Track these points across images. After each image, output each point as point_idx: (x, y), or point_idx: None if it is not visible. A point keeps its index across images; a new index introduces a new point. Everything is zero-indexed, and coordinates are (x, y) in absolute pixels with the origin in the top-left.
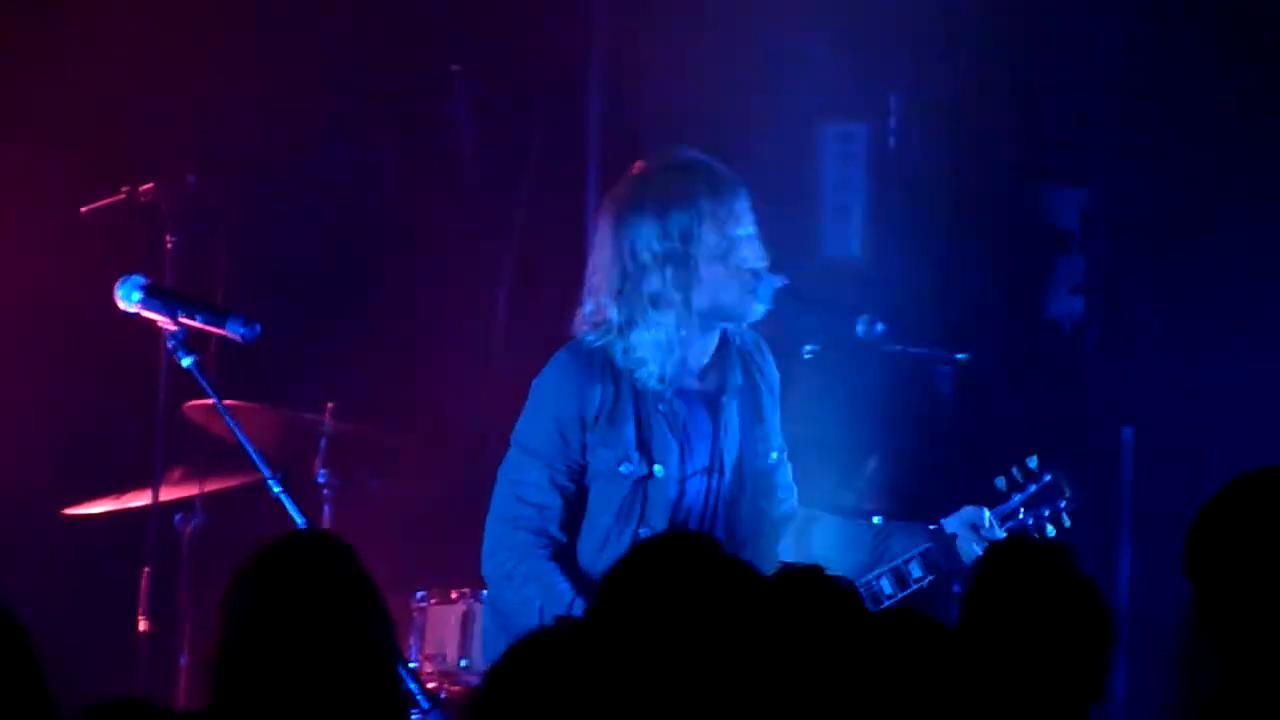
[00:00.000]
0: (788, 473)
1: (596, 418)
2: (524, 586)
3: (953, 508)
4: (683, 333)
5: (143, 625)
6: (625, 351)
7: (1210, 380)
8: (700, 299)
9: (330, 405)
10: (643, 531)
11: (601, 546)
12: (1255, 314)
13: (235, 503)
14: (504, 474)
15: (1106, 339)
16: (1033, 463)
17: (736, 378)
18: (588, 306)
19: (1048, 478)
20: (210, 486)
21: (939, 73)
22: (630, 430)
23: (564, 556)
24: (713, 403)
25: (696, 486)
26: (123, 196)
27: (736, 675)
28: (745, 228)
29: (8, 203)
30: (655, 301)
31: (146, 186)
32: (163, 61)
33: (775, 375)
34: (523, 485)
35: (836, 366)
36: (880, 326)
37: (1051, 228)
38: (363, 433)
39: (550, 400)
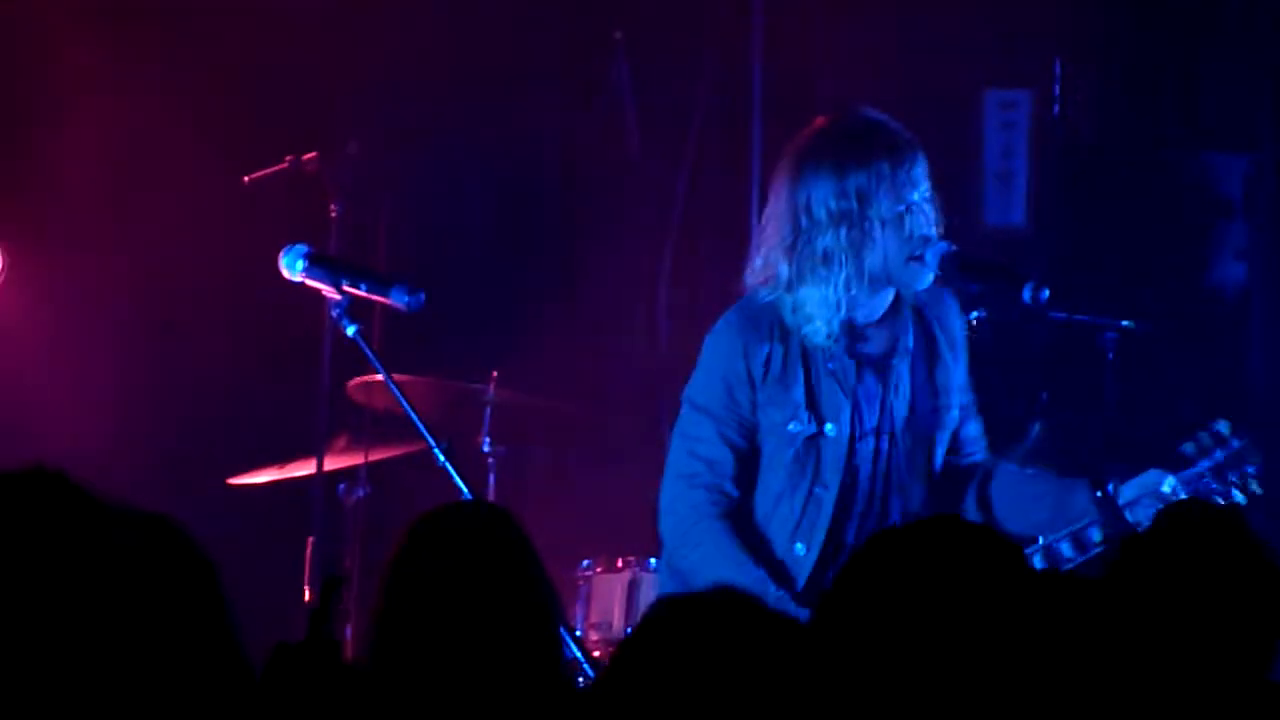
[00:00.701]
0: (975, 426)
1: (765, 376)
2: (700, 545)
3: (1119, 475)
4: (852, 292)
5: (308, 595)
6: (794, 309)
7: None
8: (871, 261)
9: (495, 374)
10: (817, 490)
11: (775, 504)
12: None
13: (399, 472)
14: (678, 431)
15: (1271, 306)
16: (1223, 427)
17: (908, 340)
18: (757, 260)
19: (1237, 443)
20: (374, 456)
21: (1102, 38)
22: (799, 389)
23: (738, 514)
24: (882, 364)
25: (869, 446)
26: (286, 166)
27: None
28: (920, 193)
29: (172, 173)
30: (827, 259)
31: (310, 156)
32: (325, 30)
33: (958, 327)
34: (696, 441)
35: (1002, 333)
36: (1046, 293)
37: (1215, 194)
38: (528, 402)
39: (720, 358)
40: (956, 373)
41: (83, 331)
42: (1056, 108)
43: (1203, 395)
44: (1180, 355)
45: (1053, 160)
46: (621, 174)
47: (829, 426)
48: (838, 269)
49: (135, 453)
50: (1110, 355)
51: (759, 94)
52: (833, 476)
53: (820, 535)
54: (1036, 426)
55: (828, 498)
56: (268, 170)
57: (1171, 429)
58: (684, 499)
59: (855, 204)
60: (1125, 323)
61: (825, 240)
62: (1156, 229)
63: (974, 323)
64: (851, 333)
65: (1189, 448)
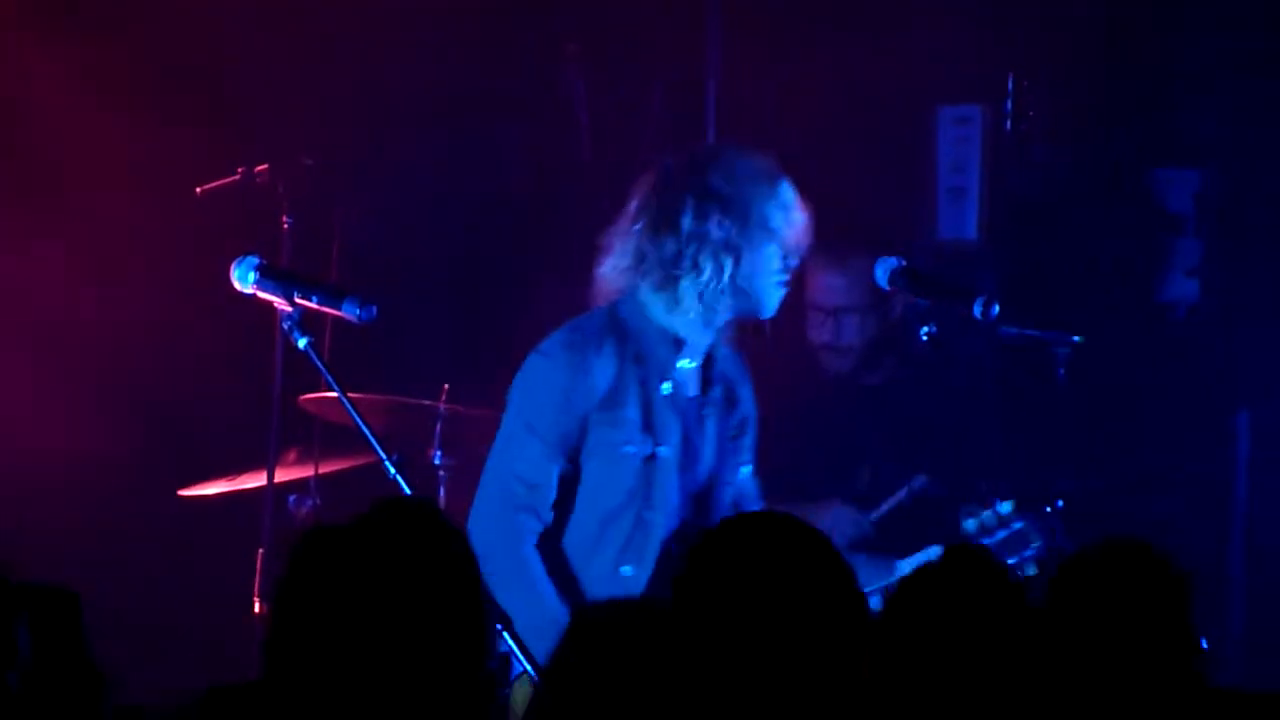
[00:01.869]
0: (756, 486)
1: (600, 396)
2: (503, 567)
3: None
4: (710, 309)
5: (258, 607)
6: (635, 316)
7: None
8: (740, 277)
9: (446, 387)
10: (645, 513)
11: (602, 526)
12: None
13: (350, 484)
14: (501, 442)
15: (1221, 322)
16: (1005, 508)
17: (716, 391)
18: (622, 262)
19: (1019, 525)
20: (325, 468)
21: (1056, 54)
22: (634, 409)
23: (547, 538)
24: (698, 401)
25: (687, 476)
26: (238, 178)
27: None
28: (792, 218)
29: (124, 183)
30: (695, 268)
31: (262, 168)
32: (280, 43)
33: (751, 403)
34: (517, 460)
35: (952, 348)
36: (996, 309)
37: (1165, 211)
38: (479, 414)
39: (555, 377)
40: (748, 437)
41: (33, 342)
42: (1009, 123)
43: (1154, 411)
44: (1131, 370)
45: (1005, 176)
46: (576, 185)
47: (662, 449)
48: (704, 279)
49: (86, 464)
50: (1061, 370)
51: (712, 106)
52: (664, 500)
53: (650, 557)
54: (921, 479)
55: (655, 520)
56: (220, 181)
57: (1120, 444)
58: (498, 521)
59: (741, 217)
60: (1076, 338)
61: (699, 258)
62: (1108, 245)
63: (925, 338)
64: (685, 359)
65: (971, 525)
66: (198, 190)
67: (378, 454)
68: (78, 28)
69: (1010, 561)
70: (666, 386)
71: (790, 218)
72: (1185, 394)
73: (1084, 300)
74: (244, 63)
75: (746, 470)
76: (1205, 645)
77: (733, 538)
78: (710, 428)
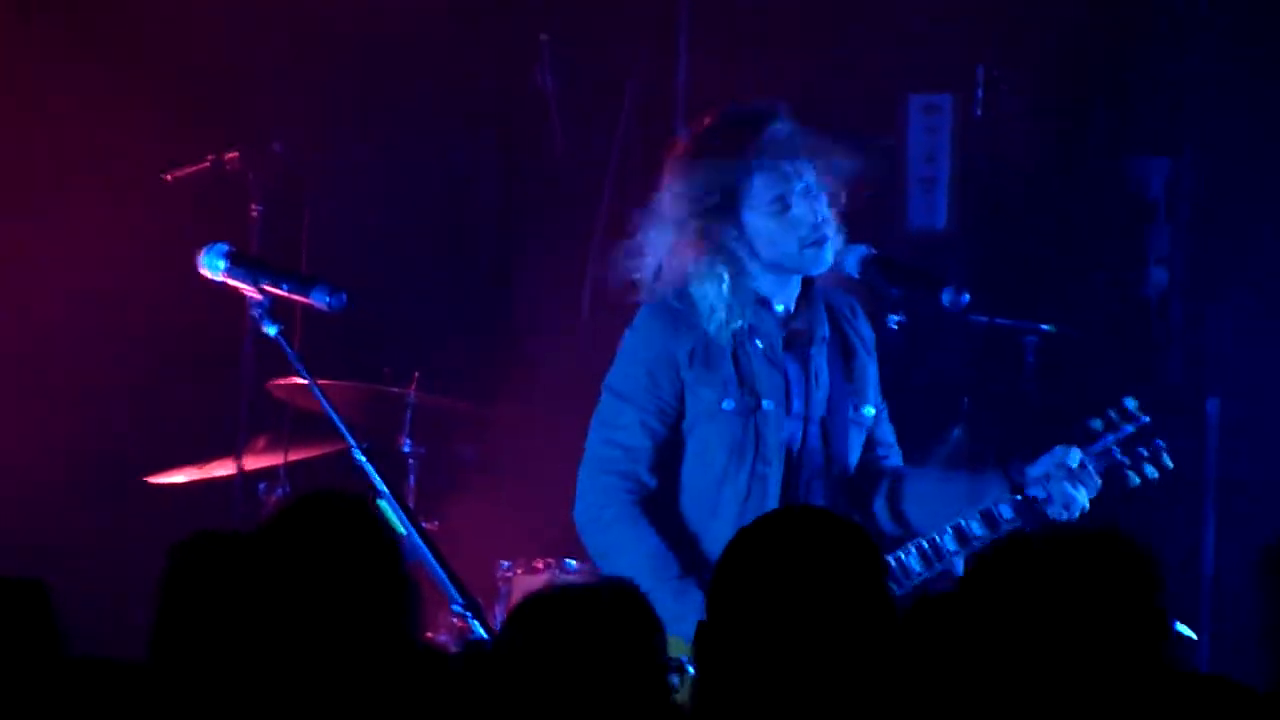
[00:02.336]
0: (889, 431)
1: (691, 359)
2: (611, 528)
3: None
4: (746, 281)
5: None
6: (695, 305)
7: None
8: (763, 251)
9: (416, 375)
10: (759, 467)
11: (719, 486)
12: None
13: (320, 472)
14: (596, 419)
15: (1191, 310)
16: (1131, 403)
17: (824, 329)
18: (649, 260)
19: (1146, 419)
20: (294, 456)
21: (1026, 42)
22: (729, 367)
23: (653, 501)
24: (801, 350)
25: (798, 429)
26: (208, 165)
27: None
28: (802, 182)
29: (93, 170)
30: (711, 254)
31: (232, 155)
32: (252, 29)
33: (870, 334)
34: (613, 429)
35: (923, 337)
36: (966, 297)
37: (1137, 198)
38: (449, 403)
39: (641, 344)
40: (872, 372)
41: (1, 331)
42: (979, 112)
43: (1124, 398)
44: (1101, 359)
45: (976, 164)
46: (547, 175)
47: (766, 402)
48: (722, 263)
49: (56, 452)
50: (1030, 358)
51: (683, 98)
52: (774, 454)
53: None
54: (957, 431)
55: (772, 474)
56: (189, 168)
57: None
58: (596, 484)
59: (727, 197)
60: (1045, 326)
61: (706, 235)
62: (1078, 233)
63: (894, 326)
64: (772, 315)
65: (1096, 423)
66: (167, 177)
67: (347, 441)
68: (46, 15)
69: (1143, 453)
70: (760, 341)
71: (781, 187)
72: (1156, 382)
73: (1055, 289)
74: (215, 49)
75: (870, 411)
76: (1182, 631)
77: (765, 536)
78: (822, 373)
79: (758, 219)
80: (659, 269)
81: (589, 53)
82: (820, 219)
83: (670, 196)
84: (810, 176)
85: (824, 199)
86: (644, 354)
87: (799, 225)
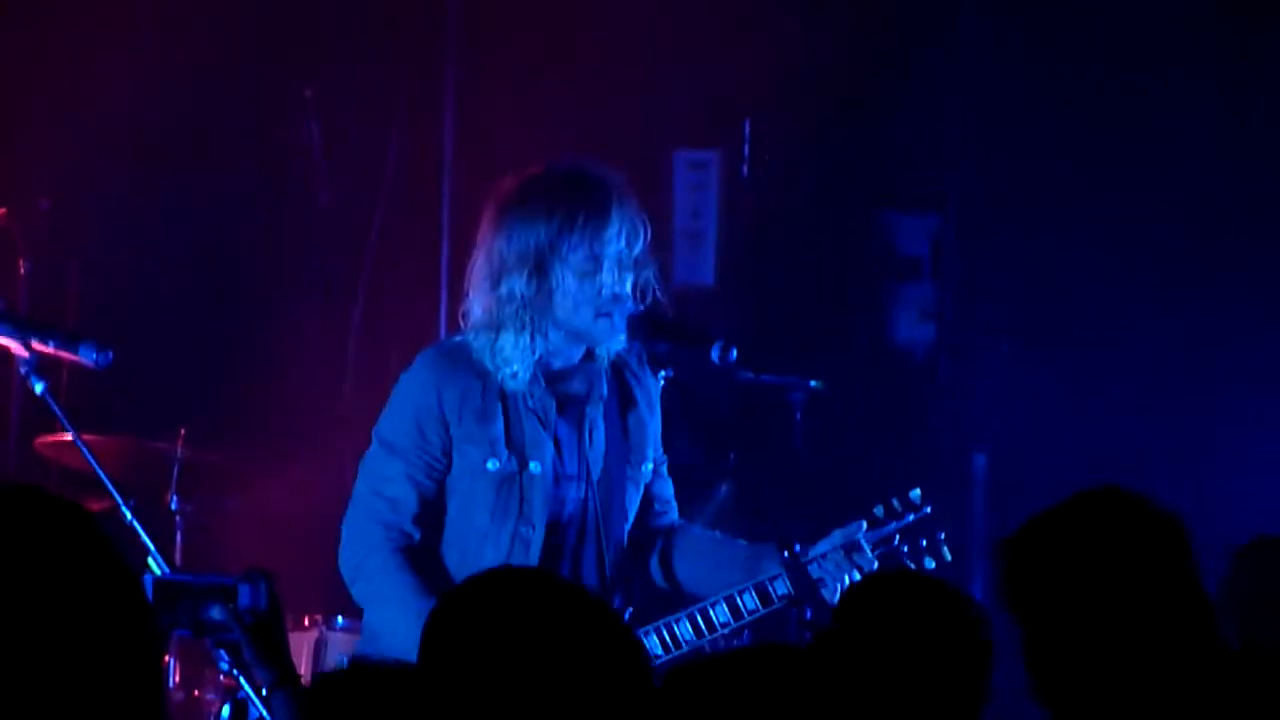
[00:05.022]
0: (666, 487)
1: (461, 414)
2: (375, 577)
3: (807, 535)
4: (548, 339)
5: None
6: (491, 351)
7: (1062, 405)
8: (561, 312)
9: (182, 431)
10: (522, 529)
11: (480, 543)
12: (1107, 337)
13: None
14: (363, 468)
15: (957, 365)
16: (915, 494)
17: (602, 387)
18: (466, 302)
19: (928, 509)
20: None
21: (792, 100)
22: (498, 427)
23: (419, 551)
24: (578, 409)
25: (569, 492)
26: None
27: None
28: (616, 249)
29: None
30: (521, 306)
31: (0, 211)
32: (15, 86)
33: (654, 385)
34: (380, 480)
35: (690, 393)
36: (734, 353)
37: (903, 254)
38: (216, 458)
39: (412, 395)
40: (652, 427)
41: None
42: (745, 168)
43: (892, 453)
44: (868, 414)
45: (742, 220)
46: (312, 229)
47: (533, 464)
48: (530, 316)
49: None
50: (798, 415)
51: (450, 152)
52: (538, 515)
53: None
54: (724, 487)
55: (535, 537)
56: None
57: (858, 489)
58: (361, 532)
59: (545, 253)
60: (813, 383)
61: (518, 287)
62: (846, 289)
63: (662, 382)
64: (550, 376)
65: (879, 509)
66: None
67: (115, 499)
68: None
69: (923, 544)
70: (533, 401)
71: (595, 250)
72: (923, 436)
73: (821, 344)
74: None
75: (648, 468)
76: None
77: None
78: (598, 432)
79: (567, 277)
80: (469, 309)
81: (354, 106)
82: (621, 293)
83: (492, 241)
84: (623, 246)
85: (629, 276)
86: (414, 405)
87: (600, 295)
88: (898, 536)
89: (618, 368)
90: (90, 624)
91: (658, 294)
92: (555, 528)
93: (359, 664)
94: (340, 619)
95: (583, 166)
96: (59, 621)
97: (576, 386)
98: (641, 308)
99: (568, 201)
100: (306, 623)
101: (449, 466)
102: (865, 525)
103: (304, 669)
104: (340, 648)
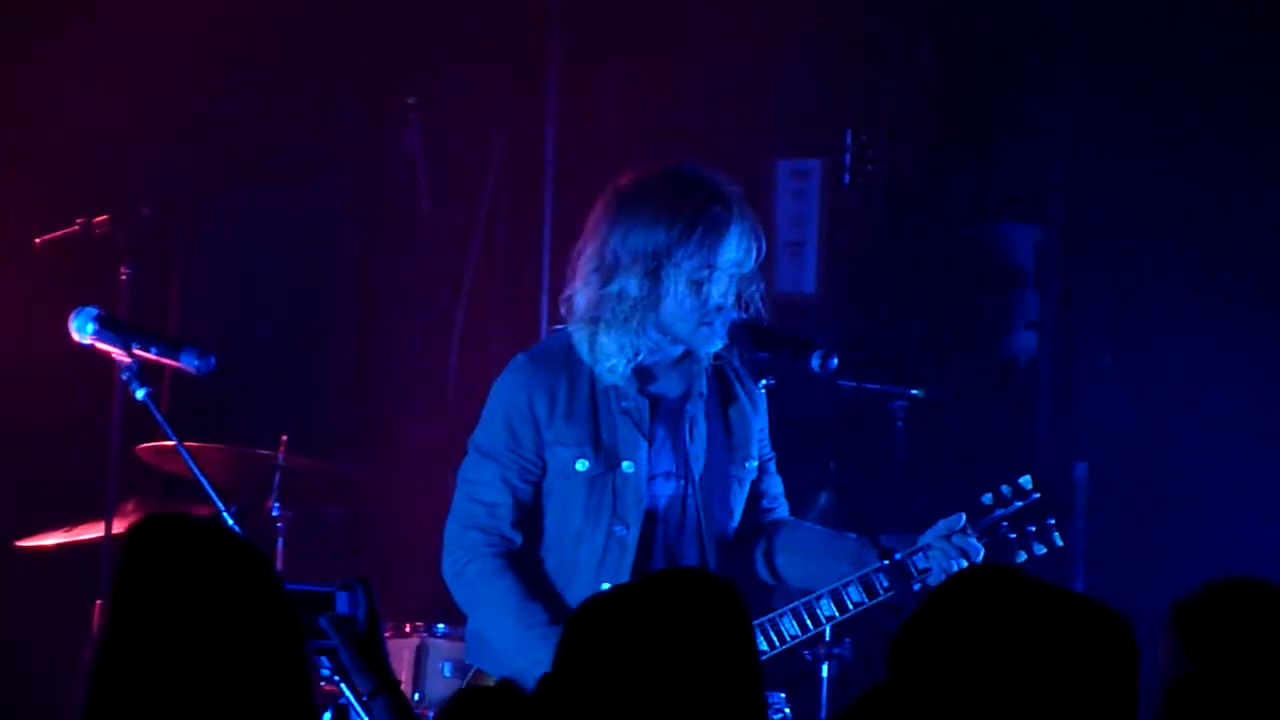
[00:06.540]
0: (775, 483)
1: (552, 414)
2: (476, 582)
3: (909, 543)
4: (651, 338)
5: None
6: (591, 345)
7: (1164, 415)
8: (666, 315)
9: (284, 438)
10: (616, 528)
11: (576, 544)
12: (1208, 348)
13: None
14: (460, 475)
15: (1060, 375)
16: (1025, 481)
17: (702, 384)
18: (568, 290)
19: (1036, 495)
20: None
21: (894, 108)
22: (587, 427)
23: (517, 555)
24: (676, 407)
25: (666, 488)
26: (77, 229)
27: None
28: (731, 259)
29: None
30: (626, 304)
31: (101, 219)
32: (121, 95)
33: (753, 398)
34: (475, 485)
35: (792, 401)
36: (835, 362)
37: (1006, 264)
38: (317, 465)
39: (503, 400)
40: (755, 424)
41: None
42: (847, 177)
43: (991, 463)
44: (969, 423)
45: (844, 229)
46: (415, 237)
47: (625, 464)
48: (634, 314)
49: None
50: (899, 423)
51: (552, 161)
52: (633, 515)
53: (625, 574)
54: (824, 495)
55: (629, 536)
56: (59, 232)
57: (959, 497)
58: (460, 539)
59: (662, 257)
60: (914, 391)
61: (630, 287)
62: (948, 299)
63: (762, 390)
64: (644, 374)
65: (987, 498)
66: (37, 241)
67: (216, 505)
68: None
69: (1031, 529)
70: (627, 401)
71: (708, 259)
72: (1025, 445)
73: (924, 354)
74: (79, 114)
75: (753, 464)
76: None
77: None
78: (699, 429)
79: (680, 283)
80: (570, 300)
81: (457, 114)
82: (726, 303)
83: (604, 236)
84: (736, 257)
85: (735, 286)
86: (505, 410)
87: (706, 304)
88: (1005, 523)
89: (719, 366)
90: (253, 645)
91: (759, 303)
92: (652, 525)
93: (507, 684)
94: (441, 626)
95: (707, 174)
96: (233, 643)
97: (673, 384)
98: (744, 316)
99: (691, 210)
100: (408, 630)
101: (544, 469)
102: (964, 517)
103: (405, 676)
104: (441, 654)
